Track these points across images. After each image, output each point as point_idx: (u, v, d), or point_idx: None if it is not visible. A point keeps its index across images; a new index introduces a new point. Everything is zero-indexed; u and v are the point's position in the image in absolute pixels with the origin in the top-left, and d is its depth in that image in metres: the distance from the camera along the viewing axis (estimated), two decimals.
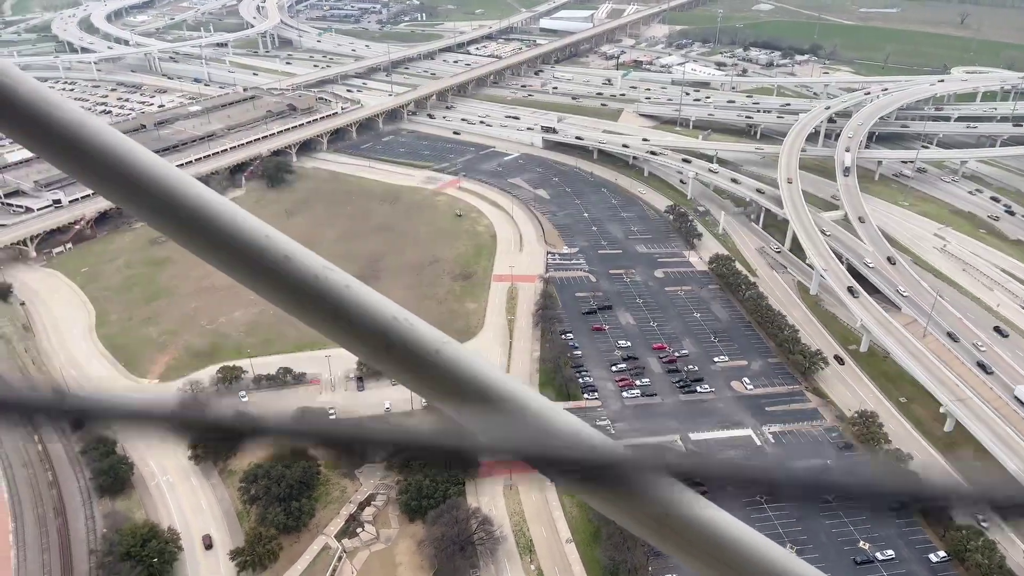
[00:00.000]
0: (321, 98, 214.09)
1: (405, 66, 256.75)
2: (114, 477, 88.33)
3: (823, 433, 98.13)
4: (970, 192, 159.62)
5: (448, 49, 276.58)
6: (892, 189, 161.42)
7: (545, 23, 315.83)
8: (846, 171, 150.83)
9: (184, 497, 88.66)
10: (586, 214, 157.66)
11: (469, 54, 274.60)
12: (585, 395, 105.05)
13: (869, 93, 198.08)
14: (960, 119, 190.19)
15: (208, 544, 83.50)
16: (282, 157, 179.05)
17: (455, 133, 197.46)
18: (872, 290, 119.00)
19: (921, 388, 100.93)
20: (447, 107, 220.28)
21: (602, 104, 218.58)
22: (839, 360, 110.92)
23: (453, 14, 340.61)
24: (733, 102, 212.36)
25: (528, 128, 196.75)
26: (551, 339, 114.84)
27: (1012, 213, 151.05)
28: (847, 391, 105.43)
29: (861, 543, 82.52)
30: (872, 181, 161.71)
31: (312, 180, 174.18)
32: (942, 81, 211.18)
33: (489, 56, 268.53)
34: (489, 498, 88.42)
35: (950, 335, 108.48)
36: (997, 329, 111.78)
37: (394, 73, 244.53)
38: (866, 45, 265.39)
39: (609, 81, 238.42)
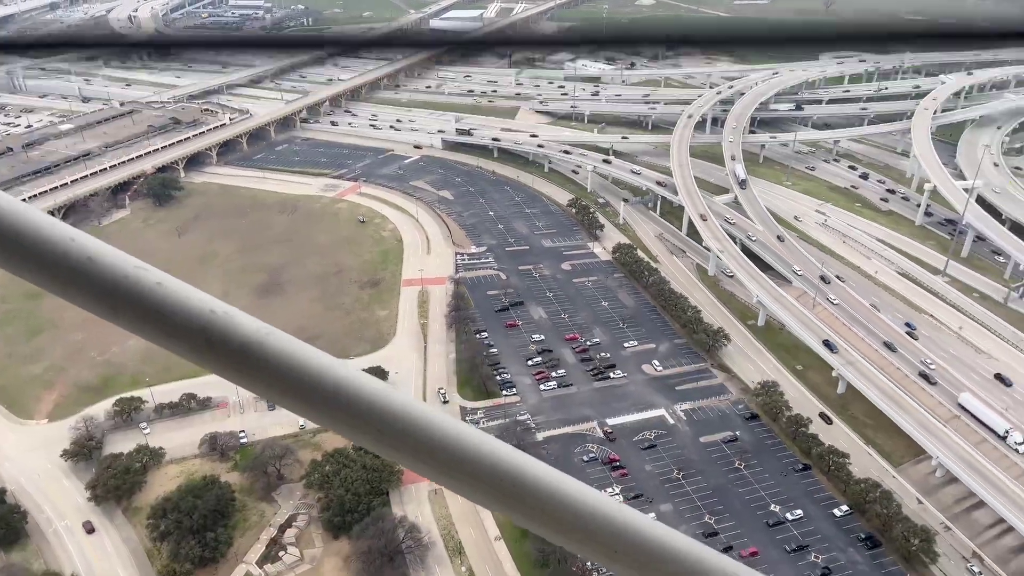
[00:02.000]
0: (207, 109, 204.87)
1: (294, 73, 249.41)
2: (6, 527, 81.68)
3: (731, 406, 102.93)
4: (843, 165, 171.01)
5: (339, 54, 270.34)
6: (775, 170, 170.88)
7: (435, 24, 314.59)
8: (742, 183, 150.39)
9: (86, 541, 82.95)
10: (491, 213, 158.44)
11: (359, 58, 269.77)
12: (504, 392, 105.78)
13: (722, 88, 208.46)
14: (831, 102, 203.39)
15: (89, 529, 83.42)
16: (168, 173, 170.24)
17: (407, 142, 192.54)
18: (764, 267, 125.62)
19: (815, 355, 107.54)
20: (344, 111, 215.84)
21: (490, 101, 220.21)
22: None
23: (340, 17, 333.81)
24: (620, 95, 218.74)
25: (439, 130, 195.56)
26: (466, 339, 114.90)
27: (865, 178, 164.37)
28: (749, 364, 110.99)
29: (772, 506, 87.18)
30: (757, 163, 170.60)
31: (203, 195, 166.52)
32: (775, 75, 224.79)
33: (381, 59, 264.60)
34: (415, 505, 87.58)
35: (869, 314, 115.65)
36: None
37: (283, 80, 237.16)
38: None
39: (496, 81, 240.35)
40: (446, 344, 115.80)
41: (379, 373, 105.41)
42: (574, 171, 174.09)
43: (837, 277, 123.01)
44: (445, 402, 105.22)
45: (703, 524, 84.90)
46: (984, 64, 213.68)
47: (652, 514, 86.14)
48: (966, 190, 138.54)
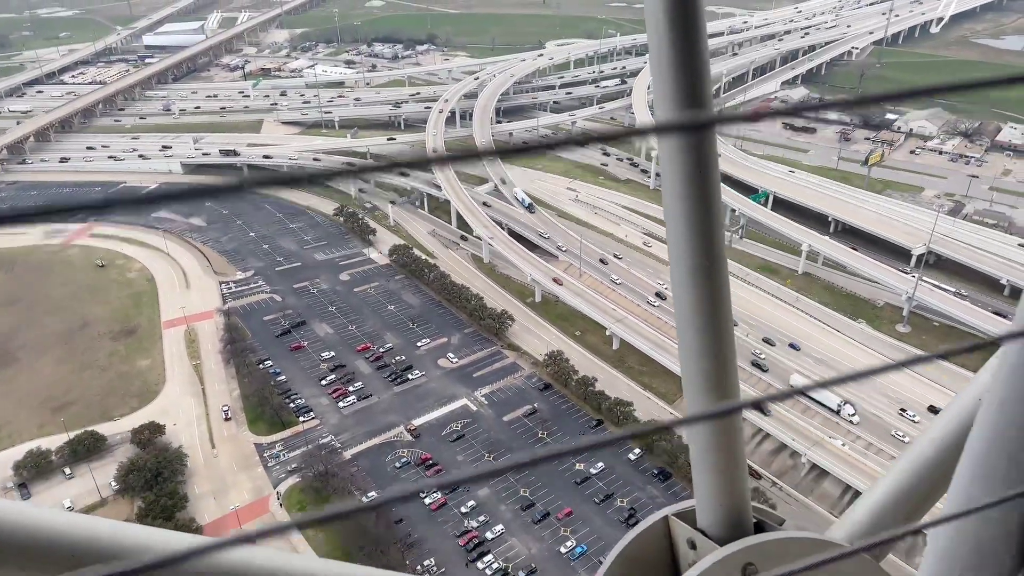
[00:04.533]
0: None
1: None
2: None
3: (525, 381, 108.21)
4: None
5: (36, 81, 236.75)
6: (527, 155, 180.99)
7: (150, 40, 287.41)
8: (530, 208, 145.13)
9: None
10: (252, 233, 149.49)
11: (65, 84, 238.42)
12: (301, 418, 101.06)
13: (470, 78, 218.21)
14: (563, 86, 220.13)
15: None
16: None
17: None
18: (532, 247, 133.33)
19: (589, 320, 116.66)
20: (56, 146, 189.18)
21: (236, 116, 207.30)
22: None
23: (31, 41, 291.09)
24: (370, 98, 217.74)
25: (202, 152, 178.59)
26: (249, 372, 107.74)
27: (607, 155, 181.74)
28: (535, 339, 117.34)
29: (577, 465, 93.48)
30: None
31: None
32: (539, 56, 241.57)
33: (91, 83, 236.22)
34: None
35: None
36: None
37: None
38: (474, 30, 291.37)
39: (243, 93, 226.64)
40: (227, 382, 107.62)
41: (154, 429, 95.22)
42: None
43: (615, 256, 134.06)
44: (228, 419, 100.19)
45: (520, 498, 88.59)
46: None
47: (472, 501, 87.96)
48: None
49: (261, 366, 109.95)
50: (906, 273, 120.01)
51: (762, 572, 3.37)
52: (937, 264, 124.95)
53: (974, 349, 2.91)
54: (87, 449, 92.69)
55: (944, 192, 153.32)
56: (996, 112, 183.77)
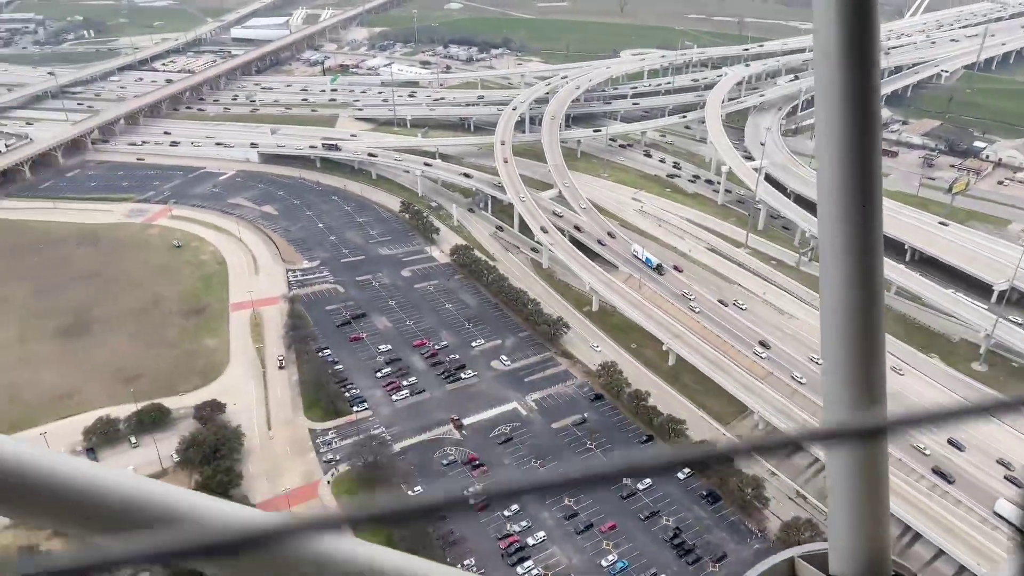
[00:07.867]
0: None
1: (80, 90, 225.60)
2: None
3: (576, 390, 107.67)
4: (647, 156, 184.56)
5: (130, 67, 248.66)
6: (592, 163, 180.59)
7: (237, 32, 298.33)
8: (659, 268, 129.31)
9: None
10: (320, 224, 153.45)
11: (156, 71, 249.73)
12: (354, 407, 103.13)
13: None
14: (634, 96, 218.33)
15: None
16: None
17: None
18: (593, 255, 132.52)
19: (646, 333, 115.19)
20: (144, 130, 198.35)
21: (312, 110, 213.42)
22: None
23: (127, 28, 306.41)
24: (443, 98, 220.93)
25: (265, 141, 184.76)
26: (308, 359, 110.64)
27: (679, 168, 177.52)
28: (589, 348, 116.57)
29: (624, 479, 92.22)
30: (575, 159, 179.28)
31: None
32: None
33: (180, 72, 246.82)
34: None
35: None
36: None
37: (68, 98, 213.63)
38: (548, 36, 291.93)
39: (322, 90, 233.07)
40: (287, 366, 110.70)
41: (215, 406, 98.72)
42: (354, 169, 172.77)
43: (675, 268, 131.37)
44: (282, 367, 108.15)
45: (564, 507, 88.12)
46: (758, 56, 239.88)
47: (515, 505, 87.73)
48: (755, 170, 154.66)
49: (320, 354, 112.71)
50: (986, 309, 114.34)
51: None
52: (1020, 302, 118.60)
53: None
54: (152, 420, 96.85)
55: None
56: None
